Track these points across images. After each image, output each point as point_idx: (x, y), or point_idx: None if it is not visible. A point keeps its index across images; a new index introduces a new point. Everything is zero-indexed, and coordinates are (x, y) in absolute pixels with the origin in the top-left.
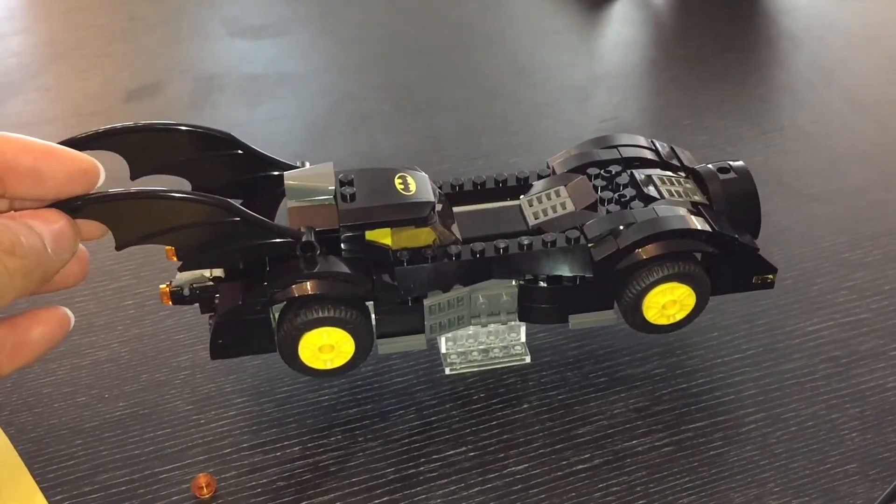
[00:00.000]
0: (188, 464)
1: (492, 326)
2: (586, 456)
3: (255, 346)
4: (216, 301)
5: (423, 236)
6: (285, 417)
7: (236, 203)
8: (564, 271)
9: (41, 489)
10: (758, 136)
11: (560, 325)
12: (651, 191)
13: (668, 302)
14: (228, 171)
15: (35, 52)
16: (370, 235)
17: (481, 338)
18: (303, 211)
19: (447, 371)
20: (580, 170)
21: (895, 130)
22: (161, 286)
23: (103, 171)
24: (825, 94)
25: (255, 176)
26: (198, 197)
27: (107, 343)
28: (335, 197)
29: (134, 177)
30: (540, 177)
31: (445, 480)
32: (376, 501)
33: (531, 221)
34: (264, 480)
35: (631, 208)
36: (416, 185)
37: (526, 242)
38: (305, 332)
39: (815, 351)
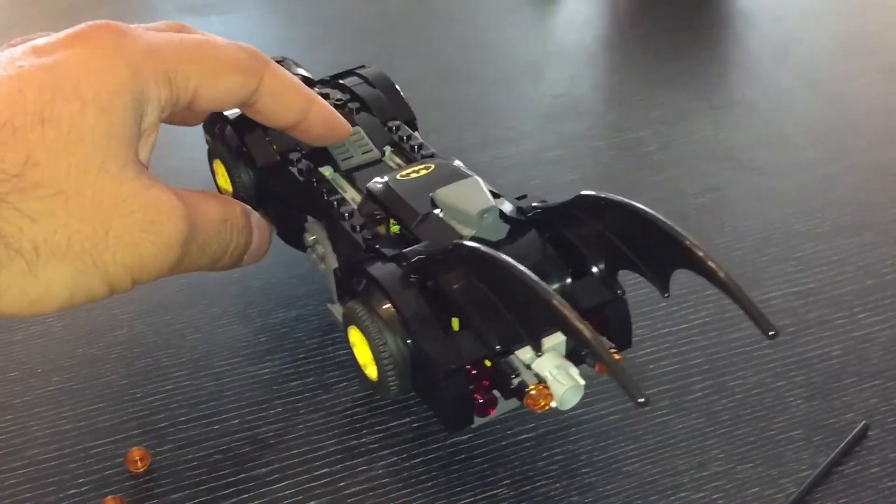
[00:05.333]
0: (122, 438)
1: None
2: (531, 425)
3: None
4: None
5: None
6: (224, 391)
7: None
8: None
9: None
10: (708, 111)
11: None
12: None
13: None
14: None
15: None
16: None
17: None
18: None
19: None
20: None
21: (845, 106)
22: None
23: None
24: (776, 70)
25: None
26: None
27: (41, 318)
28: None
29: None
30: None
31: (387, 451)
32: (316, 473)
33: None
34: (201, 454)
35: None
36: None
37: None
38: None
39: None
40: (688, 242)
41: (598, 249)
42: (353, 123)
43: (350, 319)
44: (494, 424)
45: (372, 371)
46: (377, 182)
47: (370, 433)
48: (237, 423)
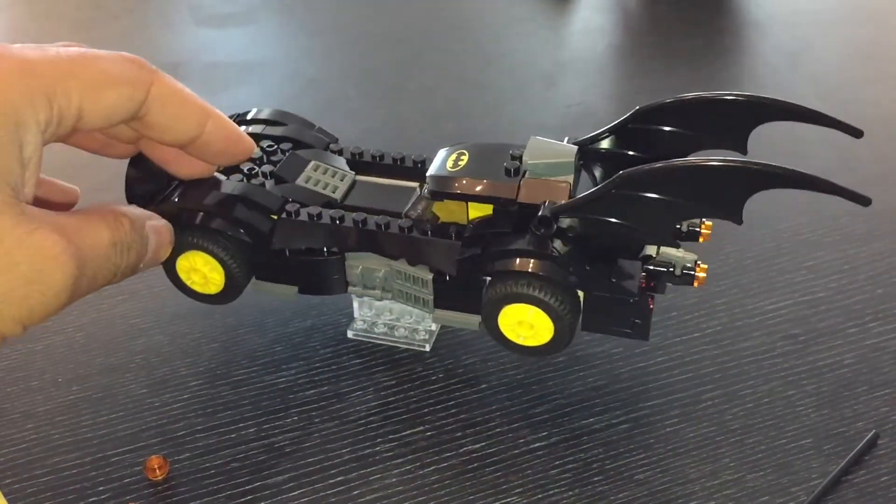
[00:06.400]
0: (141, 446)
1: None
2: (543, 434)
3: None
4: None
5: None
6: (241, 400)
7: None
8: None
9: None
10: None
11: None
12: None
13: None
14: None
15: None
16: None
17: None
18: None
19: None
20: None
21: (858, 114)
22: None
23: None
24: (790, 78)
25: None
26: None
27: (62, 327)
28: None
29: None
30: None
31: (401, 460)
32: (331, 481)
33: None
34: (218, 462)
35: None
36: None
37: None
38: None
39: (773, 329)
40: (766, 98)
41: (662, 149)
42: (306, 160)
43: (505, 300)
44: (507, 433)
45: (542, 335)
46: (437, 180)
47: (384, 442)
48: (254, 432)
